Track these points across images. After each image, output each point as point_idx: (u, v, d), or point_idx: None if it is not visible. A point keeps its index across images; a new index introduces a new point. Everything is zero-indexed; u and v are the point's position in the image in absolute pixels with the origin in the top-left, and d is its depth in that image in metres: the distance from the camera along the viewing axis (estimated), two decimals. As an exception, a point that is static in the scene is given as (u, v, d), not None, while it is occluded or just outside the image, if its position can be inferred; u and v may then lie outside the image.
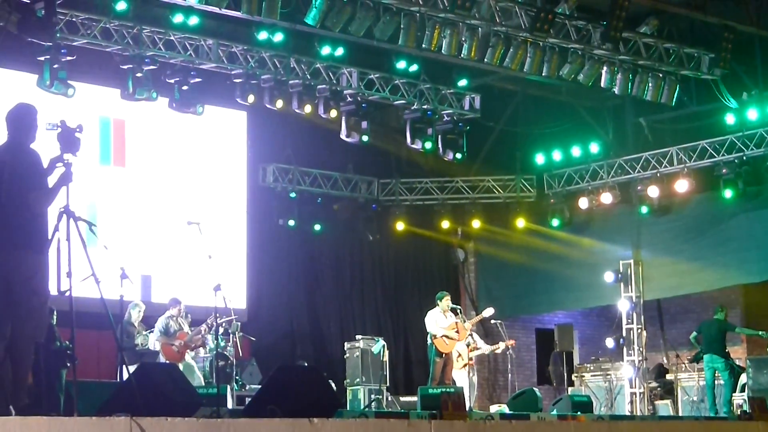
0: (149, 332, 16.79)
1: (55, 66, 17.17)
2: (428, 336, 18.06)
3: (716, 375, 19.54)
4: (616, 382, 22.45)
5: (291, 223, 22.31)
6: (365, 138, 20.69)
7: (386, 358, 19.57)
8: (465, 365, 18.65)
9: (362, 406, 18.54)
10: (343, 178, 23.60)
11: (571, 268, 23.28)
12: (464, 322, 18.64)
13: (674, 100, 19.87)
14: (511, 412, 16.49)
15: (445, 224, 24.32)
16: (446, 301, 18.22)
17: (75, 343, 9.28)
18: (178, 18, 18.24)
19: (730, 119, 21.10)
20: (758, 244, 21.09)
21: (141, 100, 18.42)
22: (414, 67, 20.85)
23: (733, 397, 19.70)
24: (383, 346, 19.54)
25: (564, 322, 25.29)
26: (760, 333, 20.10)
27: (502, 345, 19.99)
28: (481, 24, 17.57)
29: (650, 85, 19.45)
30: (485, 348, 19.84)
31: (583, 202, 23.11)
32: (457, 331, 18.12)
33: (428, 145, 21.27)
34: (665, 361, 23.67)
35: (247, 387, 18.19)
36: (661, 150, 22.29)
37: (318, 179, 23.14)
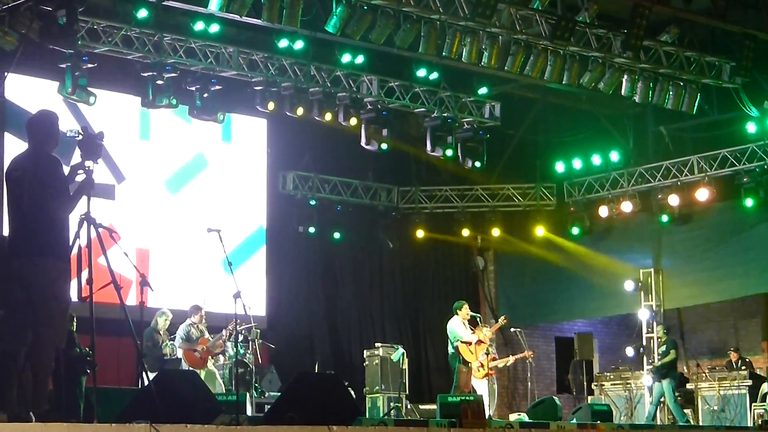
0: (171, 339, 16.81)
1: (77, 73, 17.24)
2: (450, 344, 17.99)
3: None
4: (636, 390, 22.40)
5: (311, 230, 22.34)
6: (385, 146, 20.70)
7: (406, 365, 19.49)
8: (486, 374, 18.59)
9: (381, 414, 18.51)
10: (363, 185, 23.60)
11: (590, 276, 23.22)
12: (482, 330, 18.55)
13: (695, 108, 19.78)
14: (531, 420, 16.47)
15: (465, 232, 24.29)
16: (465, 310, 18.14)
17: (95, 350, 9.30)
18: (198, 26, 18.24)
19: (751, 128, 21.01)
20: (779, 253, 21.06)
21: (161, 108, 18.49)
22: (434, 75, 20.81)
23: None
24: (403, 353, 19.47)
25: (584, 330, 25.19)
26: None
27: (511, 359, 19.73)
28: (502, 32, 17.54)
29: (671, 93, 19.38)
30: (499, 361, 19.71)
31: (603, 211, 23.05)
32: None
33: (448, 152, 21.26)
34: (685, 370, 23.55)
35: (267, 394, 18.17)
36: (682, 158, 22.23)
37: (338, 187, 23.15)
